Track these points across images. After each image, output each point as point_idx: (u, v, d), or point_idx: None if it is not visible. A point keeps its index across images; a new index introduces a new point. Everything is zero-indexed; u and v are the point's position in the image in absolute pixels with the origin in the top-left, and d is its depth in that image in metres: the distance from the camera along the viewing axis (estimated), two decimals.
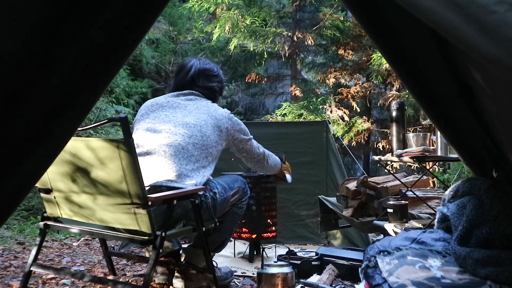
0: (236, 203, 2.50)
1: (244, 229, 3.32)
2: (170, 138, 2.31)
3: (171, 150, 2.27)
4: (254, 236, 3.31)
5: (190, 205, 2.20)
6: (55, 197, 2.20)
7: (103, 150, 1.93)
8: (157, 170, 2.24)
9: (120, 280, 2.59)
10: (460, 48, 0.94)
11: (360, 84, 7.55)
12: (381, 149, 7.27)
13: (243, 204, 2.57)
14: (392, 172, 4.17)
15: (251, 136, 2.59)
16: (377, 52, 6.36)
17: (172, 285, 2.47)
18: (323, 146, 4.08)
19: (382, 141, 7.40)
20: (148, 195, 1.96)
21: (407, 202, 2.41)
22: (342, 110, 7.11)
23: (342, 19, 7.55)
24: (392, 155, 2.56)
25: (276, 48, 7.53)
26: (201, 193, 2.24)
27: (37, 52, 1.06)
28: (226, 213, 2.47)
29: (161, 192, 2.11)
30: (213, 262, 2.43)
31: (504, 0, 0.83)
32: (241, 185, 2.53)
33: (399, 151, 2.48)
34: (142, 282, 2.10)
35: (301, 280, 2.49)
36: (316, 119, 6.40)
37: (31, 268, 2.21)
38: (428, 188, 3.19)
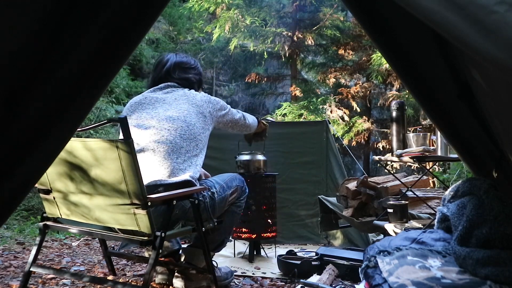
0: (234, 201, 2.49)
1: (244, 229, 3.32)
2: (156, 135, 2.31)
3: (160, 147, 2.27)
4: (254, 236, 3.31)
5: (187, 205, 2.19)
6: (54, 198, 2.20)
7: (102, 150, 1.92)
8: (149, 169, 2.23)
9: (120, 280, 2.59)
10: (460, 48, 0.94)
11: (360, 84, 7.56)
12: (381, 149, 7.28)
13: (242, 202, 2.56)
14: (392, 172, 4.17)
15: (229, 106, 2.65)
16: (377, 52, 6.36)
17: (172, 285, 2.47)
18: (323, 146, 4.08)
19: (382, 141, 7.41)
20: (147, 195, 1.96)
21: (407, 202, 2.41)
22: (342, 110, 7.11)
23: (342, 19, 7.55)
24: (392, 155, 2.56)
25: (276, 48, 7.52)
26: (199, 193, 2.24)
27: (37, 52, 1.06)
28: (225, 212, 2.46)
29: (159, 192, 2.11)
30: (213, 262, 2.42)
31: (504, 0, 0.83)
32: (239, 183, 2.52)
33: (399, 151, 2.48)
34: (142, 282, 2.10)
35: (301, 280, 2.49)
36: (316, 119, 6.42)
37: (31, 268, 2.21)
38: (428, 188, 3.19)
